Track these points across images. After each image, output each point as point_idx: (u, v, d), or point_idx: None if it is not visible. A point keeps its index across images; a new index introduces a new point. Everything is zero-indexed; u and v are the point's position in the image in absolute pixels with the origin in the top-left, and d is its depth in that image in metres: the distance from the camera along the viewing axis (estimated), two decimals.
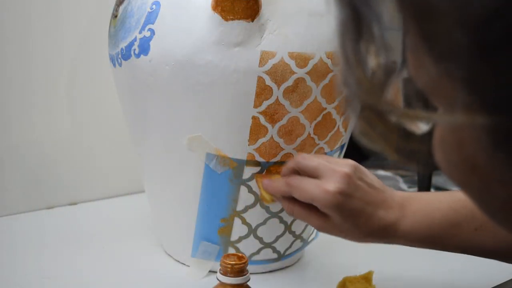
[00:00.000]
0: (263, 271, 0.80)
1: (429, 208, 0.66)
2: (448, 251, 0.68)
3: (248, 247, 0.77)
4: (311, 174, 0.65)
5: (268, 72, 0.67)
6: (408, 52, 0.31)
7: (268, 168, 0.73)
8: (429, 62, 0.29)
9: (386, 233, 0.66)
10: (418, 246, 0.68)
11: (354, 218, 0.64)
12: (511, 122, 0.27)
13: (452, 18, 0.27)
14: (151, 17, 0.70)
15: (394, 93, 0.32)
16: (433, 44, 0.28)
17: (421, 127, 0.31)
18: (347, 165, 0.65)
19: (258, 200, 0.75)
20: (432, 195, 0.70)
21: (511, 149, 0.28)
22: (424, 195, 0.70)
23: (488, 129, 0.28)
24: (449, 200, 0.67)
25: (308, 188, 0.64)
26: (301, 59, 0.68)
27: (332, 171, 0.64)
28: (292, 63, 0.68)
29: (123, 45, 0.72)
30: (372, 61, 0.31)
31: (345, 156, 0.85)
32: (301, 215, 0.68)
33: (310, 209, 0.66)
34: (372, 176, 0.68)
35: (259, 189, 0.73)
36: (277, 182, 0.69)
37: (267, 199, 0.72)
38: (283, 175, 0.69)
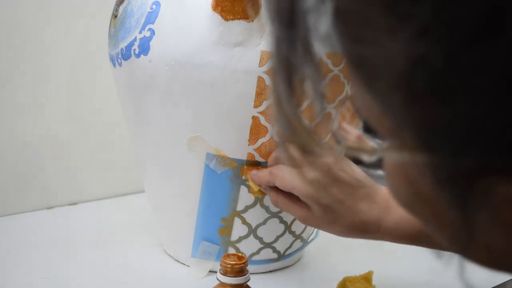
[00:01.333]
0: (263, 271, 0.80)
1: None
2: (434, 249, 0.67)
3: (248, 247, 0.77)
4: (295, 164, 0.65)
5: (268, 72, 0.67)
6: (352, 87, 0.31)
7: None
8: (369, 100, 0.29)
9: (368, 227, 0.64)
10: (404, 242, 0.66)
11: (333, 210, 0.63)
12: (449, 161, 0.27)
13: (382, 67, 0.27)
14: (151, 17, 0.70)
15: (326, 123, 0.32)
16: (371, 85, 0.28)
17: (370, 158, 0.31)
18: (331, 156, 0.64)
19: (258, 200, 0.75)
20: None
21: (454, 186, 0.27)
22: None
23: (430, 167, 0.28)
24: None
25: (287, 177, 0.64)
26: None
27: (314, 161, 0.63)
28: None
29: (123, 45, 0.72)
30: (305, 103, 0.31)
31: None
32: (285, 206, 0.67)
33: (293, 199, 0.66)
34: (358, 169, 0.67)
35: (248, 181, 0.73)
36: (262, 172, 0.69)
37: (255, 190, 0.73)
38: (269, 164, 0.69)
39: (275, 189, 0.68)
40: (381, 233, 0.65)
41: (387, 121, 0.29)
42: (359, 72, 0.29)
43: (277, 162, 0.68)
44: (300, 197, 0.64)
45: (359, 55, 0.28)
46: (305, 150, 0.32)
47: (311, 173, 0.63)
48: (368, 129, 0.32)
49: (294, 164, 0.63)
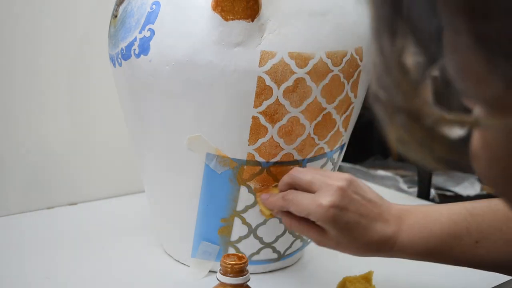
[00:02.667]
0: (263, 271, 0.80)
1: (427, 220, 0.66)
2: (448, 264, 0.68)
3: (248, 247, 0.77)
4: (306, 188, 0.66)
5: (268, 72, 0.67)
6: (450, 51, 0.30)
7: (268, 168, 0.73)
8: (478, 61, 0.28)
9: (383, 246, 0.66)
10: (417, 259, 0.67)
11: (350, 232, 0.64)
12: None
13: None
14: (151, 17, 0.70)
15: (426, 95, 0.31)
16: (487, 43, 0.27)
17: (456, 132, 0.30)
18: (342, 179, 0.65)
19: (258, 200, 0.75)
20: (431, 207, 0.69)
21: None
22: (422, 207, 0.69)
23: None
24: (449, 212, 0.66)
25: (303, 202, 0.65)
26: (301, 59, 0.68)
27: (326, 185, 0.64)
28: (292, 63, 0.68)
29: (123, 45, 0.72)
30: (409, 60, 0.30)
31: (345, 156, 0.85)
32: (299, 229, 0.68)
33: (307, 223, 0.66)
34: (369, 189, 0.68)
35: (258, 204, 0.73)
36: (274, 197, 0.69)
37: (266, 213, 0.72)
38: (280, 189, 0.70)
39: (288, 212, 0.68)
40: (395, 251, 0.66)
41: (497, 85, 0.27)
42: (477, 29, 0.27)
43: (288, 186, 0.68)
44: (316, 222, 0.65)
45: (485, 7, 0.27)
46: (412, 114, 0.30)
47: (327, 198, 0.63)
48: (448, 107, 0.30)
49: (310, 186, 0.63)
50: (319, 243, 0.67)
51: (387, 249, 0.66)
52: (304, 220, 0.67)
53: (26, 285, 0.75)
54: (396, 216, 0.66)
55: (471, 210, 0.65)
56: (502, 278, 0.78)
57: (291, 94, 0.69)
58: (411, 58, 0.30)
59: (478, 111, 0.30)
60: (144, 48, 0.70)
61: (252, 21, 0.66)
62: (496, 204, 0.65)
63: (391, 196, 0.75)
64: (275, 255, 0.80)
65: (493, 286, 0.78)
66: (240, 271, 0.61)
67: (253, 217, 0.76)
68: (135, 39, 0.71)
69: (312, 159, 0.75)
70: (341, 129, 0.77)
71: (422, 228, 0.65)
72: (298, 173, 0.67)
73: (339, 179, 0.65)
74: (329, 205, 0.63)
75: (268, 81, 0.68)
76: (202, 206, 0.75)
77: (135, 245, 0.87)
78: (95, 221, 0.96)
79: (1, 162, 0.94)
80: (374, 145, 1.52)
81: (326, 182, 0.65)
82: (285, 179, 0.69)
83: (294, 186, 0.68)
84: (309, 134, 0.73)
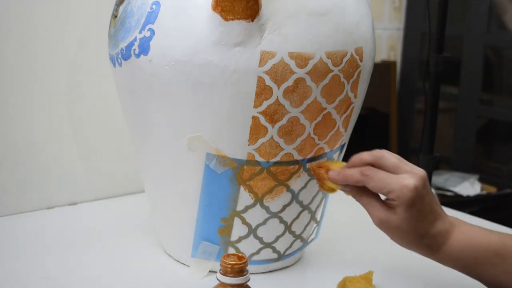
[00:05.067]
0: (263, 271, 0.80)
1: (478, 234, 0.69)
2: (486, 283, 0.70)
3: (248, 247, 0.77)
4: (390, 169, 0.68)
5: (268, 72, 0.67)
6: None
7: (268, 169, 0.73)
8: None
9: (435, 242, 0.68)
10: (457, 266, 0.70)
11: (418, 219, 0.67)
12: None
13: None
14: (151, 17, 0.70)
15: None
16: None
17: None
18: (422, 171, 0.68)
19: (258, 200, 0.75)
20: (483, 228, 0.72)
21: None
22: (474, 225, 0.71)
23: None
24: (500, 234, 0.69)
25: (386, 180, 0.67)
26: (301, 59, 0.68)
27: (410, 171, 0.67)
28: (292, 63, 0.68)
29: (123, 45, 0.72)
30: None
31: (345, 156, 0.85)
32: (367, 203, 0.69)
33: (377, 201, 0.69)
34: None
35: (319, 179, 0.73)
36: (350, 171, 0.70)
37: (332, 188, 0.72)
38: (355, 165, 0.70)
39: (359, 188, 0.70)
40: (442, 252, 0.69)
41: None
42: None
43: (366, 164, 0.69)
44: (395, 199, 0.66)
45: None
46: None
47: (412, 181, 0.66)
48: None
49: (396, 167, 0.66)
50: (381, 222, 0.69)
51: (437, 246, 0.68)
52: (374, 197, 0.69)
53: (26, 285, 0.75)
54: (450, 221, 0.70)
55: None
56: None
57: (291, 94, 0.69)
58: None
59: None
60: (144, 48, 0.70)
61: (252, 21, 0.66)
62: None
63: None
64: (275, 255, 0.80)
65: None
66: (240, 271, 0.61)
67: (253, 217, 0.76)
68: (135, 39, 0.71)
69: (312, 159, 0.75)
70: (341, 129, 0.77)
71: (472, 238, 0.68)
72: (384, 154, 0.69)
73: (420, 171, 0.68)
74: (413, 187, 0.66)
75: (268, 81, 0.68)
76: (202, 206, 0.75)
77: (135, 245, 0.87)
78: (95, 221, 0.96)
79: (1, 162, 0.94)
80: (374, 145, 1.52)
81: (410, 169, 0.67)
82: (366, 157, 0.70)
83: (375, 165, 0.69)
84: (309, 134, 0.73)
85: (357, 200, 0.71)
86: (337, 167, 0.72)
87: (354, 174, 0.69)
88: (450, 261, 0.69)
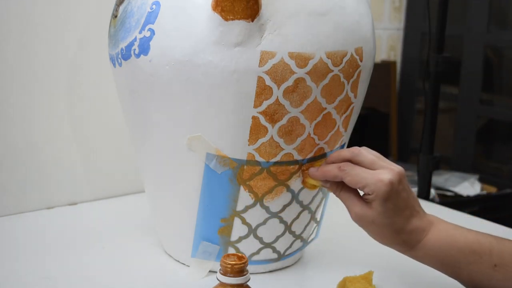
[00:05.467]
0: (263, 271, 0.80)
1: (455, 232, 0.70)
2: (461, 280, 0.71)
3: (248, 247, 0.77)
4: (367, 165, 0.70)
5: (268, 72, 0.67)
6: None
7: (268, 168, 0.73)
8: None
9: (411, 238, 0.69)
10: (434, 264, 0.71)
11: (393, 214, 0.68)
12: None
13: None
14: (151, 17, 0.70)
15: None
16: None
17: None
18: (399, 168, 0.70)
19: (258, 200, 0.75)
20: (460, 226, 0.73)
21: None
22: (452, 223, 0.73)
23: None
24: (477, 233, 0.70)
25: (362, 175, 0.69)
26: (301, 59, 0.68)
27: (386, 168, 0.69)
28: (292, 63, 0.68)
29: (123, 45, 0.72)
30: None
31: None
32: (346, 198, 0.71)
33: (355, 195, 0.71)
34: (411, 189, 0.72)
35: (303, 177, 0.75)
36: (328, 167, 0.72)
37: (314, 184, 0.74)
38: (333, 161, 0.72)
39: (337, 183, 0.72)
40: (418, 248, 0.70)
41: None
42: None
43: (344, 161, 0.71)
44: (370, 193, 0.68)
45: None
46: None
47: (387, 176, 0.68)
48: None
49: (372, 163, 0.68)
50: (357, 217, 0.70)
51: (413, 243, 0.70)
52: (353, 192, 0.71)
53: (26, 285, 0.75)
54: (429, 219, 0.71)
55: (498, 239, 0.70)
56: None
57: (291, 94, 0.69)
58: None
59: None
60: (144, 48, 0.70)
61: (252, 21, 0.66)
62: None
63: None
64: (275, 255, 0.80)
65: None
66: (240, 271, 0.61)
67: (253, 217, 0.76)
68: (135, 39, 0.71)
69: (312, 159, 0.75)
70: (341, 129, 0.77)
71: (448, 236, 0.70)
72: (361, 151, 0.71)
73: (397, 167, 0.70)
74: (388, 182, 0.67)
75: (268, 81, 0.68)
76: (202, 206, 0.75)
77: (135, 245, 0.87)
78: (95, 221, 0.96)
79: (1, 162, 0.94)
80: (374, 145, 1.52)
81: (387, 166, 0.69)
82: (344, 153, 0.72)
83: (352, 161, 0.71)
84: (309, 134, 0.73)
85: (337, 196, 0.73)
86: (317, 164, 0.74)
87: (331, 169, 0.71)
88: (427, 258, 0.70)
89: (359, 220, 0.71)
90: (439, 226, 0.70)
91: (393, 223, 0.69)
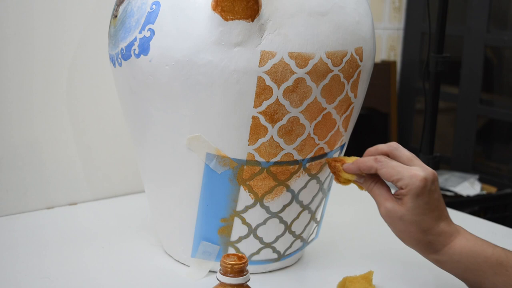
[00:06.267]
0: (263, 271, 0.81)
1: (482, 242, 0.69)
2: None
3: (248, 247, 0.77)
4: (403, 161, 0.70)
5: (268, 72, 0.68)
6: None
7: (268, 168, 0.73)
8: None
9: (438, 240, 0.69)
10: (457, 270, 0.70)
11: (424, 212, 0.68)
12: None
13: None
14: (151, 17, 0.70)
15: None
16: None
17: None
18: (433, 170, 0.70)
19: (258, 200, 0.75)
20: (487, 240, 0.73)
21: None
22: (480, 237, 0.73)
23: None
24: (504, 248, 0.70)
25: (398, 168, 0.68)
26: (301, 59, 0.68)
27: (422, 166, 0.69)
28: (292, 63, 0.68)
29: (123, 45, 0.72)
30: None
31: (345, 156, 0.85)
32: (378, 193, 0.71)
33: (387, 190, 0.71)
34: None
35: (334, 172, 0.74)
36: (364, 159, 0.72)
37: (348, 179, 0.74)
38: (370, 154, 0.73)
39: (372, 177, 0.72)
40: (444, 252, 0.69)
41: None
42: None
43: (380, 154, 0.72)
44: (403, 187, 0.68)
45: None
46: None
47: (422, 173, 0.68)
48: None
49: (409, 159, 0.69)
50: (387, 212, 0.70)
51: (439, 245, 0.69)
52: (385, 189, 0.71)
53: (26, 285, 0.75)
54: (456, 228, 0.70)
55: None
56: None
57: (291, 94, 0.69)
58: None
59: None
60: (144, 48, 0.70)
61: (252, 21, 0.66)
62: None
63: None
64: (275, 255, 0.80)
65: None
66: (240, 271, 0.61)
67: (253, 217, 0.76)
68: (135, 39, 0.71)
69: (312, 159, 0.75)
70: (341, 129, 0.77)
71: (476, 245, 0.69)
72: (400, 147, 0.71)
73: (431, 168, 0.70)
74: (423, 178, 0.67)
75: (268, 81, 0.68)
76: (202, 206, 0.75)
77: (135, 245, 0.87)
78: (95, 221, 0.96)
79: (1, 162, 0.94)
80: (374, 145, 1.52)
81: (422, 165, 0.70)
82: (382, 147, 0.72)
83: (390, 156, 0.71)
84: (309, 134, 0.73)
85: (368, 191, 0.72)
86: (351, 160, 0.74)
87: (367, 161, 0.71)
88: (451, 263, 0.69)
89: (388, 215, 0.70)
90: (466, 235, 0.70)
91: (422, 221, 0.68)
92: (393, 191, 0.71)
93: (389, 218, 0.70)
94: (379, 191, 0.71)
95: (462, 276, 0.70)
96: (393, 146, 0.72)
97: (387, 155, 0.71)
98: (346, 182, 0.75)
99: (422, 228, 0.68)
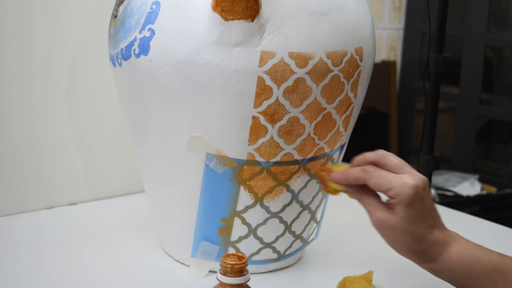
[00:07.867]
0: (263, 271, 0.81)
1: (479, 249, 0.68)
2: None
3: (248, 247, 0.77)
4: (392, 169, 0.68)
5: (268, 72, 0.67)
6: None
7: (268, 168, 0.73)
8: None
9: (432, 250, 0.67)
10: (453, 279, 0.68)
11: (416, 220, 0.66)
12: None
13: None
14: (151, 17, 0.70)
15: None
16: None
17: None
18: (424, 176, 0.68)
19: (258, 200, 0.75)
20: (483, 246, 0.71)
21: None
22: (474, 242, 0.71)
23: None
24: (501, 253, 0.68)
25: (387, 177, 0.66)
26: (301, 59, 0.68)
27: (412, 173, 0.67)
28: (292, 63, 0.68)
29: (123, 45, 0.72)
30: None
31: (345, 156, 0.85)
32: (367, 203, 0.69)
33: (378, 200, 0.68)
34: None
35: (322, 182, 0.73)
36: (352, 169, 0.69)
37: (336, 189, 0.72)
38: (357, 164, 0.70)
39: (360, 187, 0.69)
40: (439, 262, 0.67)
41: None
42: None
43: (368, 164, 0.69)
44: (394, 197, 0.66)
45: None
46: None
47: (412, 181, 0.66)
48: None
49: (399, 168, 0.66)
50: (379, 222, 0.68)
51: (434, 254, 0.67)
52: (376, 198, 0.69)
53: (26, 285, 0.75)
54: (451, 234, 0.68)
55: None
56: None
57: (291, 94, 0.69)
58: None
59: None
60: (144, 48, 0.70)
61: (252, 21, 0.66)
62: None
63: None
64: (275, 255, 0.80)
65: None
66: (240, 271, 0.61)
67: (253, 217, 0.76)
68: (135, 39, 0.71)
69: (312, 159, 0.75)
70: (341, 129, 0.77)
71: (472, 253, 0.67)
72: (388, 154, 0.69)
73: (422, 175, 0.68)
74: (413, 186, 0.65)
75: (268, 81, 0.68)
76: (202, 206, 0.75)
77: (135, 245, 0.87)
78: (95, 221, 0.96)
79: (1, 162, 0.94)
80: (374, 145, 1.52)
81: (412, 172, 0.67)
82: (369, 155, 0.70)
83: (378, 164, 0.69)
84: (309, 134, 0.73)
85: (358, 201, 0.70)
86: (339, 169, 0.72)
87: (355, 171, 0.69)
88: (447, 272, 0.68)
89: (380, 225, 0.68)
90: (461, 241, 0.68)
91: (415, 230, 0.66)
92: (384, 199, 0.69)
93: (381, 228, 0.68)
94: (369, 200, 0.69)
95: (459, 284, 0.68)
96: (381, 154, 0.69)
97: (375, 163, 0.69)
98: (334, 192, 0.73)
99: (416, 237, 0.66)
